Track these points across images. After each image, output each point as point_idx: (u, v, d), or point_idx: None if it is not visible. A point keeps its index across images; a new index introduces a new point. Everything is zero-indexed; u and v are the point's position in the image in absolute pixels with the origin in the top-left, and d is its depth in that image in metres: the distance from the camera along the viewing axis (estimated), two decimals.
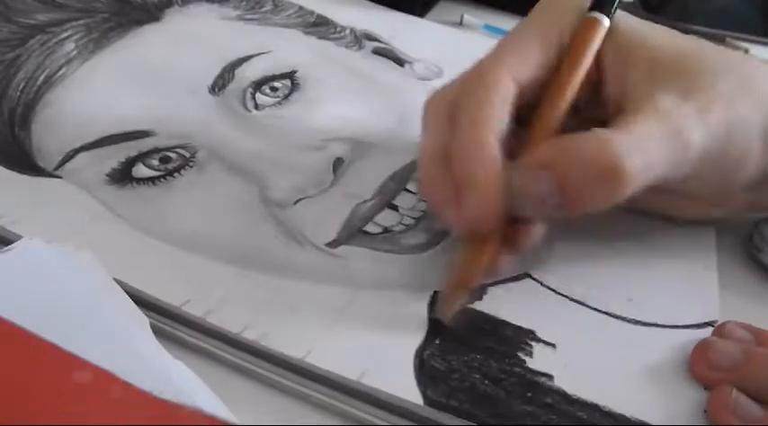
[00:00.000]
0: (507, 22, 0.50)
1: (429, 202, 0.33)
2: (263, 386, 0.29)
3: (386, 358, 0.29)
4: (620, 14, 0.33)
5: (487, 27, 0.51)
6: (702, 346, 0.30)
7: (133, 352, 0.26)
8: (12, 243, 0.30)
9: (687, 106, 0.29)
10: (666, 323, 0.31)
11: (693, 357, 0.30)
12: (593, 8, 0.32)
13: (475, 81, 0.31)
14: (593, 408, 0.28)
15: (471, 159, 0.29)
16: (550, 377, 0.28)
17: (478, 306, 0.31)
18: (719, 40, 0.50)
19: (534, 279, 0.32)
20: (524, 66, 0.31)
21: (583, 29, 0.32)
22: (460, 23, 0.51)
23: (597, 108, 0.32)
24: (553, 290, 0.32)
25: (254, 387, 0.29)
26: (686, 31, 0.33)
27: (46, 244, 0.30)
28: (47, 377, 0.25)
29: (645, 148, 0.28)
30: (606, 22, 0.32)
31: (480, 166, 0.28)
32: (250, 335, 0.29)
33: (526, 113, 0.31)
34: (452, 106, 0.31)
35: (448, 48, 0.46)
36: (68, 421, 0.24)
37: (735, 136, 0.30)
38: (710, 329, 0.31)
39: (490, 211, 0.28)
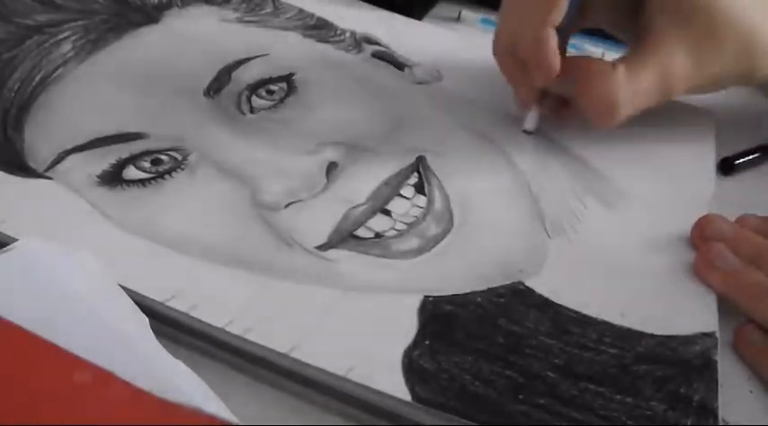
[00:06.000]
0: None
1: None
2: (263, 385, 0.29)
3: (373, 356, 0.28)
4: None
5: (484, 21, 0.51)
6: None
7: (133, 352, 0.26)
8: (3, 243, 0.30)
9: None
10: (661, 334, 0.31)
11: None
12: None
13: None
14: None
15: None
16: None
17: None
18: None
19: (527, 287, 0.32)
20: None
21: None
22: (458, 18, 0.52)
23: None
24: (546, 299, 0.32)
25: (253, 387, 0.29)
26: None
27: (46, 244, 0.30)
28: (47, 377, 0.25)
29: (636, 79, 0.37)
30: None
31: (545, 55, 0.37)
32: (234, 330, 0.28)
33: None
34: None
35: (448, 51, 0.46)
36: (68, 421, 0.23)
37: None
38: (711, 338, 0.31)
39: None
